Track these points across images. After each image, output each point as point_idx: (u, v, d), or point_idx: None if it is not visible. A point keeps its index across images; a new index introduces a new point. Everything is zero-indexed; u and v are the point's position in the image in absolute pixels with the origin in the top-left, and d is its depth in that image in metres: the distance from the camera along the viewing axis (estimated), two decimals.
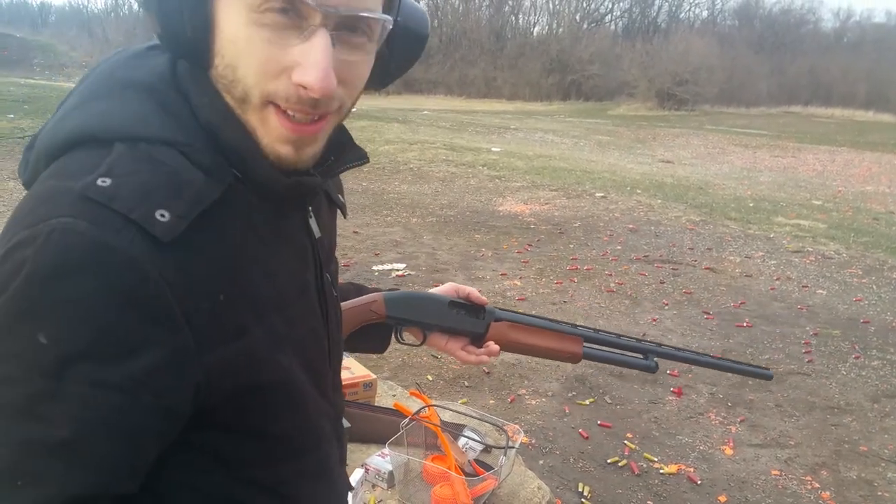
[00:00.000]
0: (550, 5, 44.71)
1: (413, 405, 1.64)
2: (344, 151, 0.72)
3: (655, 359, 1.17)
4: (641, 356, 1.18)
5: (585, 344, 1.15)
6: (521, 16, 45.19)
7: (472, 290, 1.12)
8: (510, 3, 44.11)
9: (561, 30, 42.81)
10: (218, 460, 0.63)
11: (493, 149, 12.88)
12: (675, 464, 2.95)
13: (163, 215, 0.54)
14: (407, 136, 13.78)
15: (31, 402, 0.50)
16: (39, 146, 0.62)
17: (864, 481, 2.92)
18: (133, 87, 0.61)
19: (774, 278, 5.91)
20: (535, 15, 45.88)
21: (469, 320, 1.11)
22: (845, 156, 16.84)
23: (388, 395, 1.91)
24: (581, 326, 1.17)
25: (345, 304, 1.03)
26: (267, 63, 0.58)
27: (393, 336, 1.12)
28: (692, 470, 2.91)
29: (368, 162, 0.76)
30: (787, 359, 4.18)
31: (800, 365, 4.09)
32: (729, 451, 3.08)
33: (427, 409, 1.59)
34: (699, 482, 2.83)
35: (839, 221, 8.47)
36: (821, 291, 5.60)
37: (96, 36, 35.33)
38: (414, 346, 1.11)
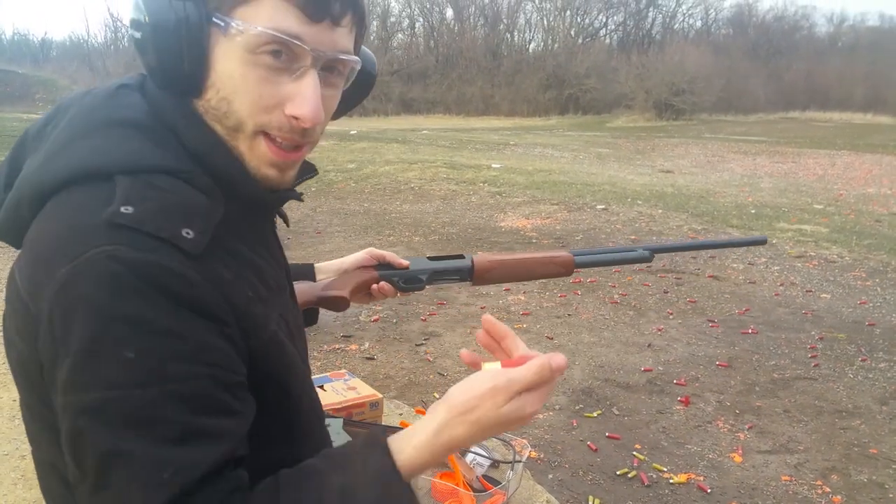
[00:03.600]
0: (545, 22, 45.07)
1: None
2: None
3: (647, 251, 1.23)
4: (631, 251, 1.23)
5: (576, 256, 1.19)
6: (516, 33, 45.55)
7: (388, 253, 1.18)
8: (505, 21, 44.47)
9: (556, 45, 43.10)
10: (249, 440, 0.67)
11: (493, 165, 12.94)
12: (685, 473, 2.95)
13: (188, 233, 0.61)
14: (407, 156, 13.86)
15: (143, 412, 0.56)
16: (24, 190, 0.66)
17: (875, 484, 2.91)
18: (120, 125, 0.66)
19: (778, 284, 5.91)
20: (530, 32, 46.23)
21: (456, 262, 1.17)
22: (845, 159, 16.86)
23: (394, 414, 1.93)
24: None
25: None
26: (261, 99, 0.66)
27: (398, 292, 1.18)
28: (702, 479, 2.91)
29: (318, 174, 0.86)
30: (794, 364, 4.17)
31: (806, 370, 4.09)
32: (738, 459, 3.08)
33: None
34: (709, 491, 2.82)
35: (841, 225, 8.47)
36: (825, 295, 5.60)
37: (97, 69, 35.66)
38: (417, 289, 1.17)
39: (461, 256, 1.18)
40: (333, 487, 0.62)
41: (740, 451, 3.14)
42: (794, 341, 4.55)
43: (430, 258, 1.18)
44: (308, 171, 0.83)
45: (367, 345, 4.28)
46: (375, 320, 4.72)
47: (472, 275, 1.17)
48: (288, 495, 0.62)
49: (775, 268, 6.44)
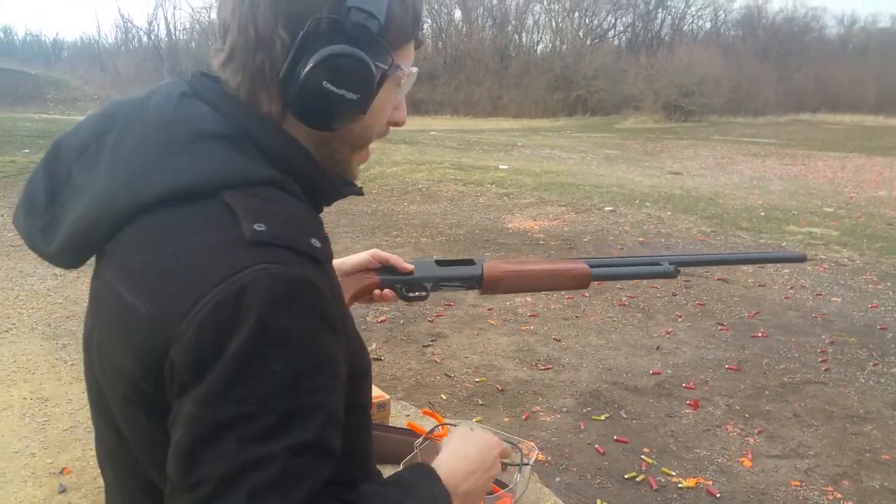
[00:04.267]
0: (553, 23, 44.95)
1: (427, 424, 1.65)
2: None
3: (672, 265, 1.13)
4: (655, 265, 1.14)
5: (593, 268, 1.12)
6: (524, 34, 45.43)
7: (393, 256, 1.15)
8: (513, 22, 44.41)
9: (564, 47, 42.94)
10: None
11: (501, 166, 12.92)
12: (694, 477, 2.93)
13: (315, 242, 0.65)
14: (415, 157, 13.86)
15: (279, 422, 0.58)
16: (104, 210, 0.65)
17: (887, 490, 2.89)
18: (206, 138, 0.66)
19: (788, 287, 5.87)
20: (538, 33, 46.06)
21: (464, 269, 1.13)
22: (856, 161, 16.75)
23: (401, 415, 1.92)
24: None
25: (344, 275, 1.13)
26: (385, 117, 0.78)
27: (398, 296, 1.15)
28: (711, 483, 2.89)
29: None
30: (804, 368, 4.14)
31: (817, 374, 4.06)
32: (748, 463, 3.05)
33: (441, 427, 1.60)
34: (718, 495, 2.80)
35: (852, 228, 8.42)
36: (835, 299, 5.56)
37: (108, 70, 35.85)
38: (420, 299, 1.15)
39: (470, 262, 1.12)
40: None
41: (750, 456, 3.11)
42: (804, 345, 4.51)
43: (438, 262, 1.13)
44: None
45: (373, 346, 4.28)
46: (382, 321, 4.72)
47: (480, 283, 1.12)
48: None
49: (785, 271, 6.39)
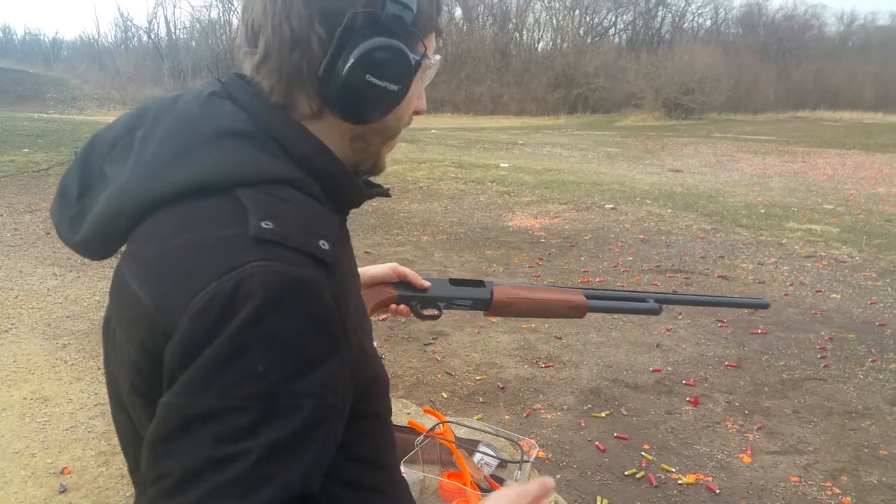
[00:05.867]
0: (554, 21, 44.93)
1: (427, 422, 1.65)
2: None
3: (657, 303, 1.25)
4: (642, 302, 1.26)
5: (589, 299, 1.22)
6: (525, 33, 45.43)
7: (411, 272, 1.16)
8: (514, 20, 44.39)
9: (565, 45, 42.94)
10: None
11: (502, 164, 12.93)
12: (693, 474, 2.94)
13: (324, 244, 0.63)
14: (415, 156, 13.85)
15: (253, 423, 0.57)
16: (125, 202, 0.66)
17: (885, 486, 2.90)
18: (228, 136, 0.67)
19: (788, 284, 5.88)
20: (538, 31, 46.05)
21: (475, 290, 1.17)
22: (856, 158, 16.74)
23: (402, 413, 1.93)
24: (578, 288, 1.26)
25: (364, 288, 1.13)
26: (413, 107, 0.79)
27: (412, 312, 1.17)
28: (710, 479, 2.90)
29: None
30: (803, 364, 4.15)
31: (816, 370, 4.07)
32: (747, 460, 3.06)
33: (441, 425, 1.60)
34: (718, 491, 2.81)
35: (851, 224, 8.42)
36: (835, 296, 5.56)
37: (107, 69, 35.82)
38: (433, 318, 1.17)
39: (481, 284, 1.17)
40: None
41: (749, 452, 3.12)
42: (803, 342, 4.52)
43: (452, 281, 1.16)
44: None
45: (375, 344, 4.29)
46: (383, 319, 4.73)
47: (488, 305, 1.17)
48: None
49: (785, 268, 6.40)
